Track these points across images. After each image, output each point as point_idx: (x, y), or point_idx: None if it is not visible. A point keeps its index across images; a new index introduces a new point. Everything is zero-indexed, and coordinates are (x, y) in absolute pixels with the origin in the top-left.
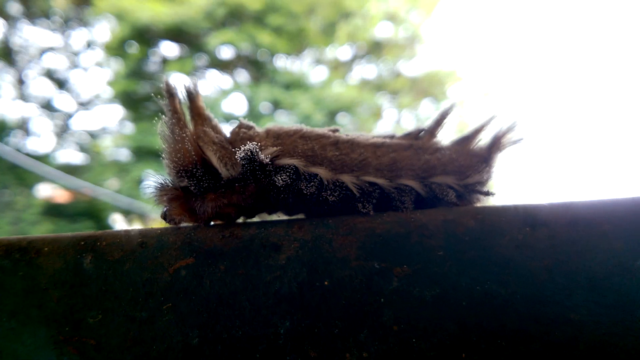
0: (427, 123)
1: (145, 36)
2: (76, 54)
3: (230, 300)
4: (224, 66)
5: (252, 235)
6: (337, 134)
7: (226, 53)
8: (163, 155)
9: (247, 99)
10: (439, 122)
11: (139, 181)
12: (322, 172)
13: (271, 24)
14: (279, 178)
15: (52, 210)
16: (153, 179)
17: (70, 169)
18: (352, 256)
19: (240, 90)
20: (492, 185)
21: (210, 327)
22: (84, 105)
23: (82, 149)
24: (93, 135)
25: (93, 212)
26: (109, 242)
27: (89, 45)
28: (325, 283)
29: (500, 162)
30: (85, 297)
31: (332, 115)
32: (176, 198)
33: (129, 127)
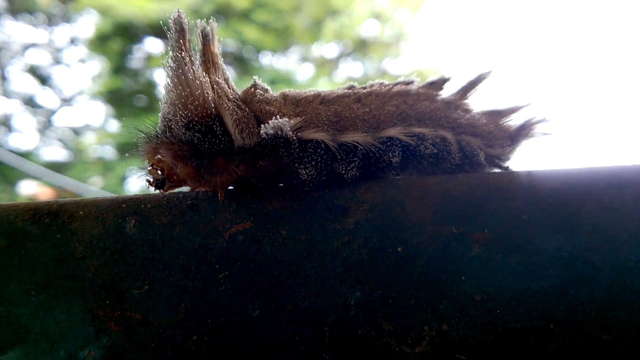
0: (450, 77)
1: (129, 32)
2: (59, 50)
3: (294, 268)
4: None
5: (315, 197)
6: (355, 90)
7: None
8: (166, 101)
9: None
10: (473, 84)
11: (123, 178)
12: (359, 137)
13: (257, 21)
14: (306, 157)
15: None
16: (146, 129)
17: (54, 166)
18: (426, 221)
19: None
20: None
21: (272, 298)
22: (67, 101)
23: (66, 145)
24: (77, 132)
25: None
26: (155, 204)
27: (73, 41)
28: (399, 250)
29: (525, 147)
30: (129, 266)
31: None
32: (184, 156)
33: (113, 124)
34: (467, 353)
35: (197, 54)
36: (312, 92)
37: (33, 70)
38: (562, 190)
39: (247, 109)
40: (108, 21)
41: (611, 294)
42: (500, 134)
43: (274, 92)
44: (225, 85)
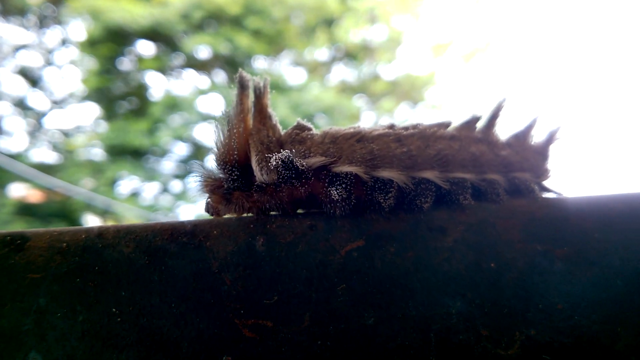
0: (481, 115)
1: (120, 36)
2: (50, 51)
3: (402, 281)
4: (201, 66)
5: (416, 218)
6: (395, 129)
7: (203, 53)
8: (214, 145)
9: (225, 100)
10: (495, 115)
11: (114, 180)
12: (394, 175)
13: (250, 27)
14: (334, 191)
15: (25, 209)
16: (199, 168)
17: (44, 168)
18: (515, 239)
19: (217, 91)
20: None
21: (384, 308)
22: (57, 103)
23: (56, 148)
24: (67, 134)
25: (67, 212)
26: (279, 224)
27: (64, 43)
28: (492, 265)
29: (554, 157)
30: (260, 280)
31: (310, 118)
32: (217, 189)
33: (103, 126)
34: (552, 354)
35: (252, 104)
36: (352, 130)
37: (24, 72)
38: (625, 212)
39: (277, 149)
40: (98, 25)
41: None
42: (538, 158)
43: (315, 130)
44: (265, 131)
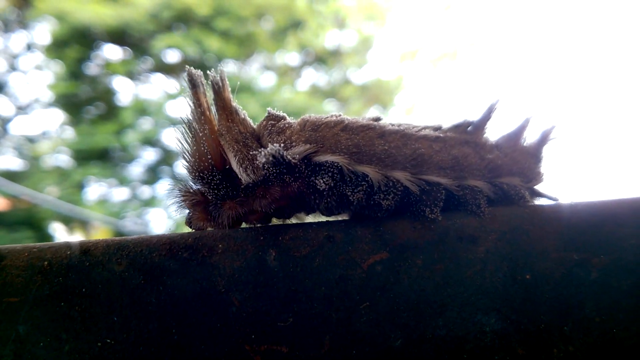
0: (473, 116)
1: (87, 38)
2: (15, 56)
3: (431, 298)
4: (170, 70)
5: (445, 226)
6: (381, 123)
7: (172, 57)
8: (181, 155)
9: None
10: (487, 117)
11: (80, 186)
12: (371, 171)
13: (219, 28)
14: (320, 180)
15: None
16: (175, 182)
17: (9, 175)
18: (550, 248)
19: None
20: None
21: (413, 327)
22: (22, 109)
23: (21, 154)
24: (32, 140)
25: (33, 220)
26: (292, 235)
27: (29, 47)
28: (527, 277)
29: (547, 158)
30: (273, 299)
31: None
32: (198, 203)
33: (69, 132)
34: None
35: (212, 101)
36: (336, 118)
37: None
38: None
39: (255, 144)
40: (64, 26)
41: None
42: (530, 160)
43: (291, 119)
44: (236, 127)
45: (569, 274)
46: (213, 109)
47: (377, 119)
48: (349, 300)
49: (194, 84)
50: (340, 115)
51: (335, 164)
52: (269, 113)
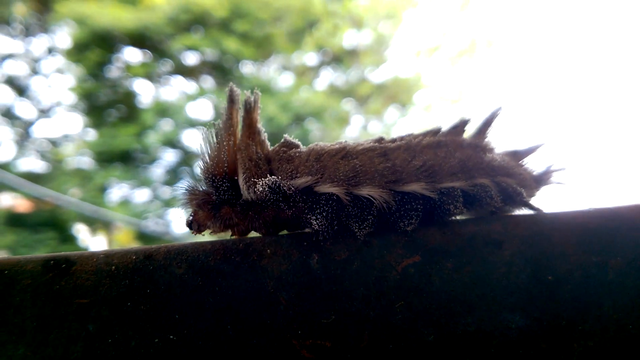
0: (474, 121)
1: (107, 42)
2: (37, 60)
3: (460, 297)
4: (189, 72)
5: (472, 232)
6: (383, 143)
7: (191, 59)
8: (200, 157)
9: (213, 105)
10: (488, 122)
11: (103, 188)
12: (374, 192)
13: (237, 30)
14: (318, 209)
15: (14, 220)
16: (185, 181)
17: (32, 177)
18: (570, 251)
19: (205, 96)
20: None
21: (444, 324)
22: (45, 112)
23: (44, 156)
24: (55, 143)
25: (56, 221)
26: (332, 241)
27: (50, 51)
28: (549, 278)
29: (544, 191)
30: (316, 299)
31: (299, 121)
32: (205, 203)
33: (91, 134)
34: None
35: (241, 118)
36: (337, 146)
37: (10, 81)
38: None
39: (265, 167)
40: (85, 30)
41: None
42: (526, 175)
43: (302, 147)
44: (254, 147)
45: (588, 275)
46: (240, 125)
47: (380, 140)
48: (385, 299)
49: (232, 100)
50: (344, 142)
51: (332, 196)
52: (284, 139)
